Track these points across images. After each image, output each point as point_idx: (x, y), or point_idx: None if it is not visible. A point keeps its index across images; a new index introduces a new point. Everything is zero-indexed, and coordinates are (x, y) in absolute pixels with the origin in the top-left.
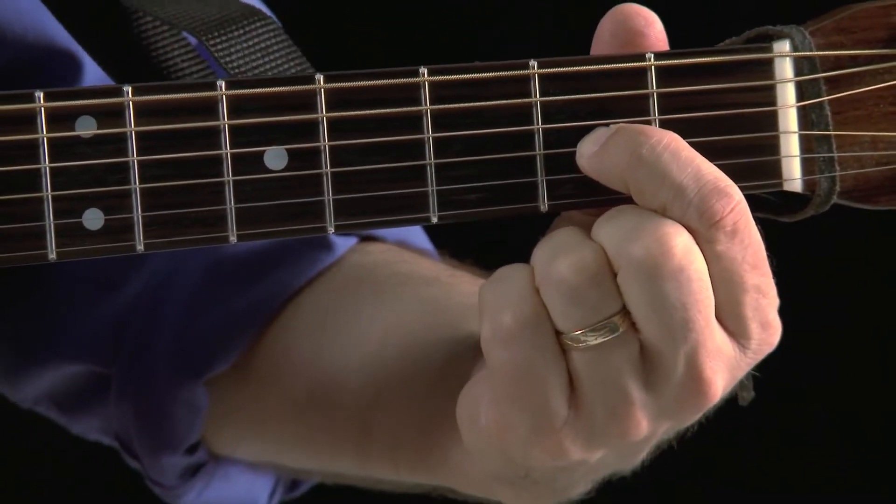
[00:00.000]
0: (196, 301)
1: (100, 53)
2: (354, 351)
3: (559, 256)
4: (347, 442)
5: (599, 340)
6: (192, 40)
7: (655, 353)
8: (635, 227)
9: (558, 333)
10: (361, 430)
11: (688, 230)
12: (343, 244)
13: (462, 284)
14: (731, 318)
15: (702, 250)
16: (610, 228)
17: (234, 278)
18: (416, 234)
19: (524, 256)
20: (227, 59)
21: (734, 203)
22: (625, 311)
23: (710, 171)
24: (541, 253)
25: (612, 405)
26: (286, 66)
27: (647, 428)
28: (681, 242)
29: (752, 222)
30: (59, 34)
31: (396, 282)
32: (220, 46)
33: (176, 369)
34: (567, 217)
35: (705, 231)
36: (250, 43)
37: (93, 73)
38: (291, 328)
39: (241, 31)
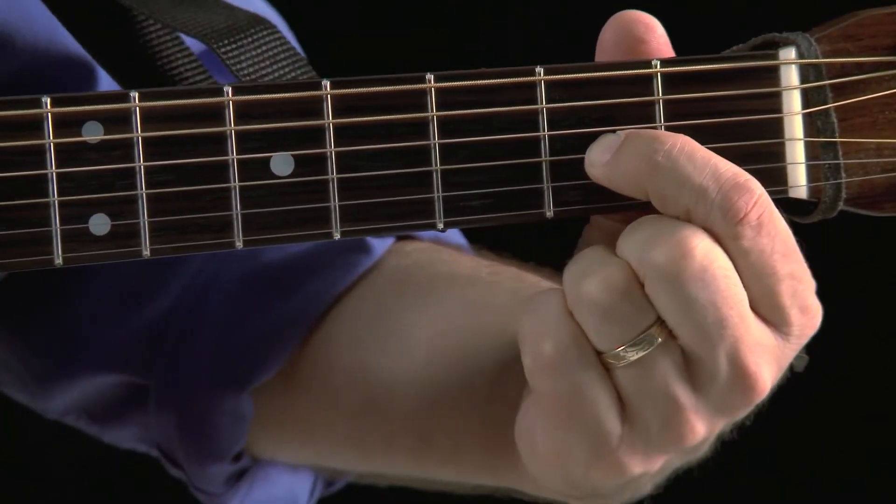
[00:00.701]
0: (236, 311)
1: (105, 59)
2: (405, 359)
3: (586, 277)
4: (404, 448)
5: (640, 354)
6: (196, 49)
7: (697, 356)
8: (654, 235)
9: (599, 353)
10: (419, 438)
11: (714, 229)
12: (380, 245)
13: (504, 282)
14: (770, 310)
15: (730, 247)
16: (630, 241)
17: (272, 287)
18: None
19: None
20: (237, 66)
21: (756, 197)
22: (660, 321)
23: (728, 169)
24: (569, 276)
25: (665, 415)
26: (293, 73)
27: (704, 430)
28: (700, 243)
29: (776, 212)
30: (71, 42)
31: (439, 284)
32: (231, 54)
33: (219, 380)
34: (595, 225)
35: (731, 229)
36: (259, 51)
37: (106, 82)
38: (335, 335)
39: (250, 39)
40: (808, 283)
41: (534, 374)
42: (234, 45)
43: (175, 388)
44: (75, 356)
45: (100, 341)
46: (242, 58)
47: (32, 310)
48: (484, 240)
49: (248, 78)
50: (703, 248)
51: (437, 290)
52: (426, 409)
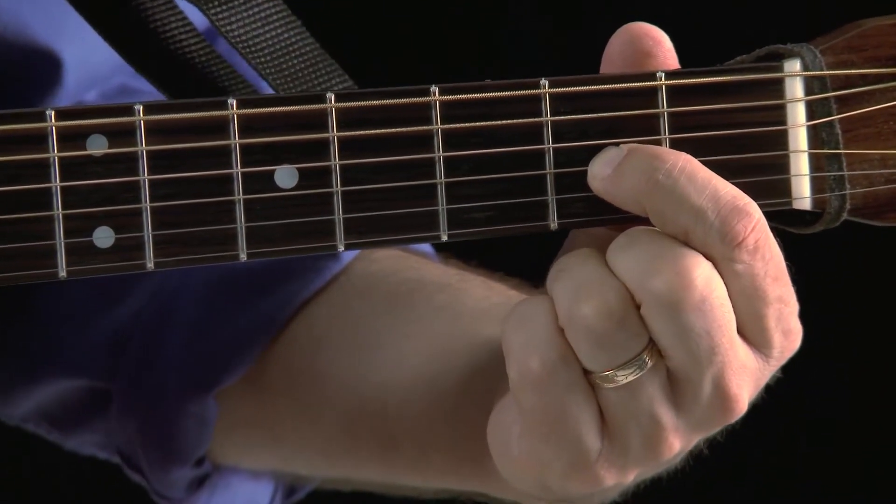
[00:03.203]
0: (203, 315)
1: (109, 37)
2: (373, 363)
3: (583, 300)
4: (372, 453)
5: (630, 378)
6: (201, 27)
7: (683, 377)
8: (653, 258)
9: (587, 371)
10: (387, 442)
11: (711, 251)
12: (347, 253)
13: (473, 289)
14: (754, 331)
15: (724, 268)
16: (628, 261)
17: (241, 292)
18: None
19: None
20: (228, 27)
21: (754, 222)
22: (651, 344)
23: (728, 192)
24: (563, 292)
25: (646, 434)
26: (286, 35)
27: (679, 446)
28: (701, 274)
29: (771, 235)
30: (39, 30)
31: (407, 290)
32: (221, 16)
33: (185, 383)
34: (580, 231)
35: (728, 252)
36: (251, 12)
37: (74, 71)
38: (303, 341)
39: (241, 1)
40: (793, 307)
41: (519, 389)
42: (224, 8)
43: (139, 392)
44: (38, 360)
45: (63, 345)
46: (233, 20)
47: None
48: (452, 249)
49: (238, 40)
50: (704, 278)
51: (406, 295)
52: (394, 415)
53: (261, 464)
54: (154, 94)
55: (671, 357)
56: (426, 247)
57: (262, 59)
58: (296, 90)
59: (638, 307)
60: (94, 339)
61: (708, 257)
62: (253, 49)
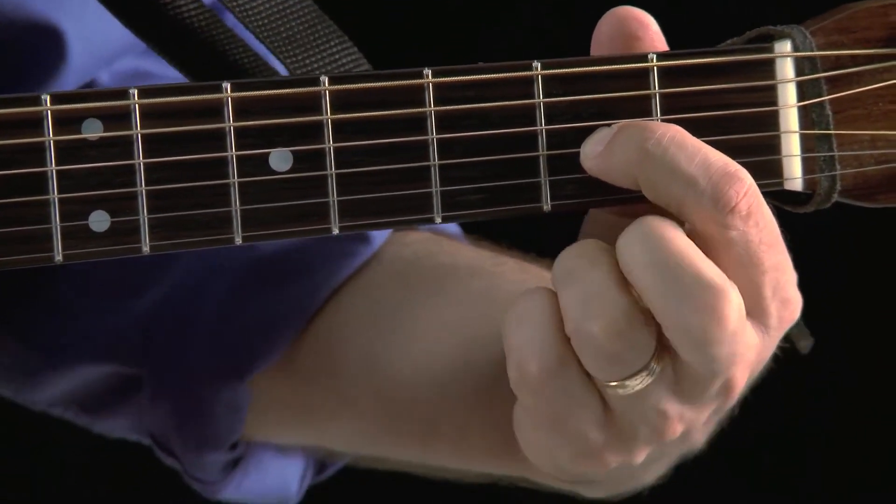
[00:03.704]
0: (233, 301)
1: (120, 13)
2: (410, 350)
3: (591, 318)
4: (411, 437)
5: (639, 387)
6: None
7: (695, 376)
8: (682, 289)
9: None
10: (427, 428)
11: (703, 219)
12: (380, 236)
13: (508, 273)
14: (751, 302)
15: (717, 237)
16: (648, 278)
17: (272, 277)
18: None
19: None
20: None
21: (746, 187)
22: (659, 349)
23: (718, 158)
24: (570, 302)
25: (653, 425)
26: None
27: (683, 429)
28: (733, 311)
29: (764, 202)
30: (39, 5)
31: (441, 274)
32: None
33: (216, 370)
34: (594, 219)
35: (721, 218)
36: None
37: (78, 47)
38: (336, 326)
39: None
40: (791, 275)
41: (517, 390)
42: None
43: (170, 379)
44: (65, 347)
45: (91, 332)
46: None
47: (19, 300)
48: (481, 231)
49: (235, 3)
50: (736, 312)
51: (441, 281)
52: (433, 400)
53: (294, 441)
54: (167, 78)
55: (688, 364)
56: (454, 227)
57: (260, 22)
58: (294, 53)
59: (647, 313)
60: (121, 325)
61: (701, 226)
62: (250, 12)
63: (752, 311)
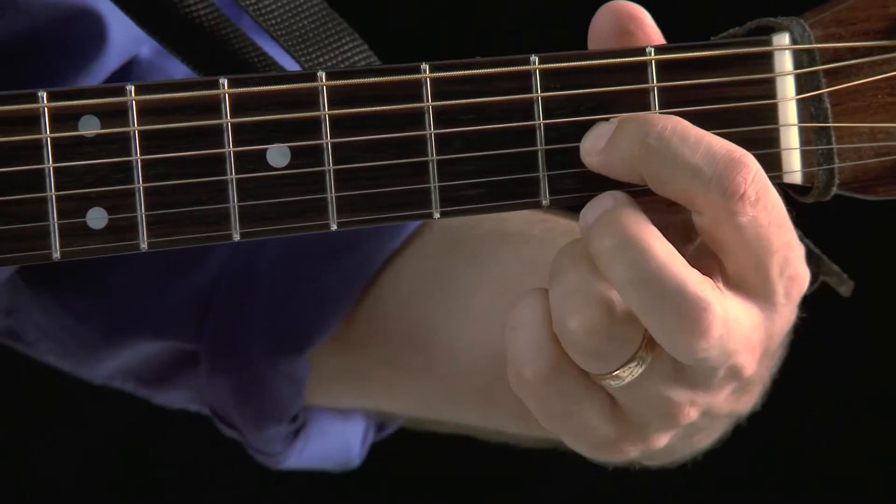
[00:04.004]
0: (287, 275)
1: (130, 9)
2: (463, 319)
3: (568, 315)
4: (468, 405)
5: (631, 378)
6: None
7: (694, 370)
8: (663, 302)
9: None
10: (483, 395)
11: (712, 207)
12: None
13: (557, 239)
14: (756, 281)
15: (727, 223)
16: (632, 294)
17: (322, 249)
18: None
19: None
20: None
21: (753, 172)
22: (647, 340)
23: (722, 146)
24: (554, 300)
25: (661, 412)
26: None
27: (699, 412)
28: (716, 320)
29: (770, 184)
30: None
31: (493, 242)
32: None
33: (274, 344)
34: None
35: (731, 206)
36: None
37: (118, 32)
38: (390, 296)
39: None
40: (798, 251)
41: (518, 393)
42: None
43: (228, 354)
44: (121, 324)
45: (145, 309)
46: None
47: (73, 279)
48: None
49: (252, 7)
50: (720, 321)
51: (492, 249)
52: (487, 369)
53: (352, 407)
54: None
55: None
56: None
57: (273, 21)
58: (308, 51)
59: (629, 315)
60: (175, 302)
61: (709, 214)
62: (263, 11)
63: (758, 290)
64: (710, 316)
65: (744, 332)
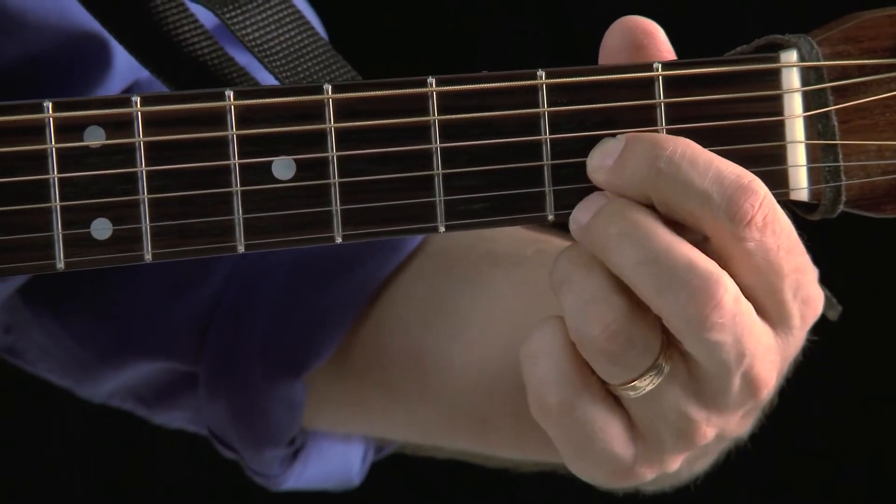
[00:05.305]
0: (285, 299)
1: (121, 37)
2: (458, 343)
3: (589, 322)
4: (465, 430)
5: (650, 387)
6: (209, 24)
7: (711, 377)
8: (674, 277)
9: (607, 383)
10: (479, 421)
11: (720, 233)
12: None
13: (550, 260)
14: (772, 306)
15: (735, 248)
16: (643, 275)
17: (319, 273)
18: None
19: None
20: (243, 31)
21: (761, 198)
22: (665, 347)
23: (731, 171)
24: (569, 310)
25: (678, 430)
26: (299, 37)
27: (715, 433)
28: (727, 293)
29: (780, 208)
30: (82, 15)
31: (485, 264)
32: (236, 20)
33: (271, 368)
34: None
35: (739, 231)
36: (264, 15)
37: (122, 56)
38: (386, 320)
39: (255, 4)
40: (811, 274)
41: (540, 421)
42: (238, 11)
43: (225, 377)
44: (120, 345)
45: (144, 331)
46: (248, 23)
47: (73, 299)
48: None
49: (253, 43)
50: (732, 296)
51: (484, 271)
52: (483, 394)
53: (349, 432)
54: None
55: (698, 363)
56: None
57: (278, 63)
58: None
59: (645, 312)
60: (174, 324)
61: (718, 238)
62: (268, 52)
63: (773, 317)
64: (722, 288)
65: (757, 332)
